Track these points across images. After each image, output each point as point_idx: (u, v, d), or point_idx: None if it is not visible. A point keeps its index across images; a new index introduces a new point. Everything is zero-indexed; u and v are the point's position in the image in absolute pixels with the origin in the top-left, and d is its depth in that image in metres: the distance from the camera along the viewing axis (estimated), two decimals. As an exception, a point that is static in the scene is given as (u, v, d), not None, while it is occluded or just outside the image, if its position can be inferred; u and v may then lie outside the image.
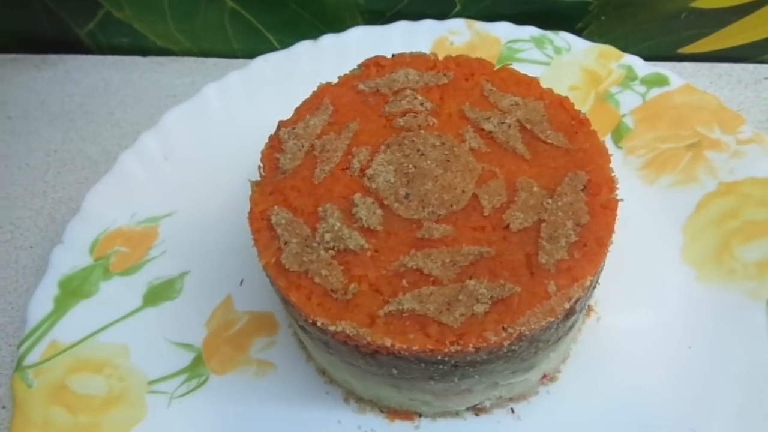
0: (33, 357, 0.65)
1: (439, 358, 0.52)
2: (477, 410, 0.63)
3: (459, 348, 0.51)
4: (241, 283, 0.75)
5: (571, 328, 0.59)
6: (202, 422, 0.65)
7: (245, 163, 0.79)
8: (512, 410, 0.64)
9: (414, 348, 0.51)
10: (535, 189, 0.58)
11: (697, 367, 0.64)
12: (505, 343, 0.51)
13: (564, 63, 0.88)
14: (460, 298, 0.52)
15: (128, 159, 0.81)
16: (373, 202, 0.59)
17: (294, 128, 0.65)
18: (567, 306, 0.52)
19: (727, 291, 0.68)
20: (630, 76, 0.84)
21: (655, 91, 0.82)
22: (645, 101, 0.82)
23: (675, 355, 0.66)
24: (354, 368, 0.59)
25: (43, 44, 1.04)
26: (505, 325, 0.50)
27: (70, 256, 0.72)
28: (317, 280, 0.55)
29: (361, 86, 0.68)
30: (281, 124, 0.66)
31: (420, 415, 0.64)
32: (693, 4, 0.88)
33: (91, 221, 0.75)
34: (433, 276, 0.54)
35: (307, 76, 0.86)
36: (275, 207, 0.60)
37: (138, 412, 0.65)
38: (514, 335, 0.51)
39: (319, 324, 0.53)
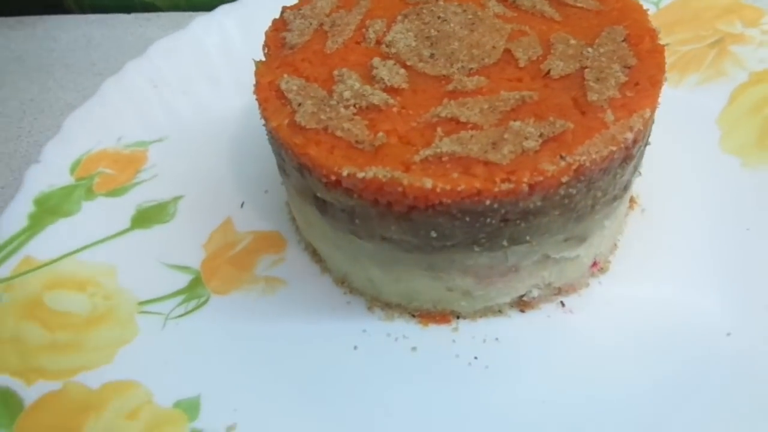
0: (2, 271, 0.56)
1: (488, 204, 0.44)
2: (523, 305, 0.56)
3: (511, 187, 0.43)
4: (242, 205, 0.67)
5: (626, 188, 0.53)
6: (207, 342, 0.56)
7: (241, 89, 0.73)
8: (562, 304, 0.56)
9: (459, 189, 0.44)
10: (572, 41, 0.53)
11: (758, 248, 0.58)
12: (563, 179, 0.44)
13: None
14: (505, 137, 0.46)
15: (112, 86, 0.74)
16: (395, 64, 0.53)
17: (300, 9, 0.60)
18: (629, 136, 0.45)
19: (776, 172, 0.63)
20: (641, -12, 0.81)
21: (668, -1, 0.79)
22: (659, 9, 0.79)
23: (732, 239, 0.59)
24: (382, 254, 0.52)
25: (20, 5, 0.99)
26: (563, 154, 0.44)
27: (48, 175, 0.64)
28: (339, 133, 0.48)
29: (370, -28, 0.63)
30: (285, 8, 0.61)
31: (458, 317, 0.56)
32: None
33: (71, 142, 0.68)
34: (472, 123, 0.48)
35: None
36: (285, 75, 0.53)
37: (128, 331, 0.56)
38: (574, 167, 0.44)
39: (345, 174, 0.45)
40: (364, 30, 0.57)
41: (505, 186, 0.43)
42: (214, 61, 0.78)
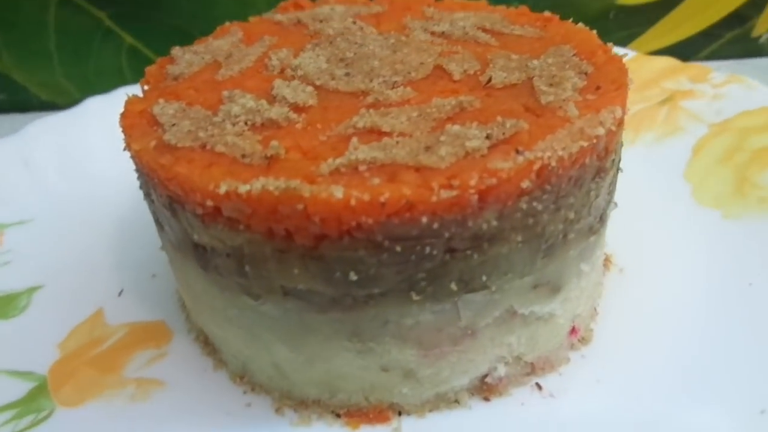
0: None
1: (425, 222, 0.32)
2: (487, 390, 0.41)
3: (454, 195, 0.31)
4: (120, 293, 0.52)
5: (602, 220, 0.41)
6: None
7: (123, 174, 0.61)
8: (539, 386, 0.42)
9: (383, 200, 0.31)
10: (514, 56, 0.45)
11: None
12: (524, 184, 0.32)
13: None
14: (442, 139, 0.35)
15: (-30, 163, 0.61)
16: (301, 83, 0.43)
17: (192, 47, 0.50)
18: (601, 132, 0.35)
19: (763, 220, 0.54)
20: (577, 58, 0.77)
21: (608, 65, 0.75)
22: (599, 75, 0.74)
23: (734, 295, 0.48)
24: (287, 320, 0.37)
25: None
26: (521, 149, 0.33)
27: None
28: (221, 149, 0.36)
29: (279, 17, 0.55)
30: (174, 47, 0.51)
31: (400, 412, 0.40)
32: (619, 2, 0.86)
33: None
34: (398, 132, 0.36)
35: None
36: (160, 100, 0.42)
37: None
38: (536, 167, 0.32)
39: (223, 191, 0.32)
40: (266, 60, 0.47)
41: (445, 194, 0.31)
42: (102, 138, 0.67)
